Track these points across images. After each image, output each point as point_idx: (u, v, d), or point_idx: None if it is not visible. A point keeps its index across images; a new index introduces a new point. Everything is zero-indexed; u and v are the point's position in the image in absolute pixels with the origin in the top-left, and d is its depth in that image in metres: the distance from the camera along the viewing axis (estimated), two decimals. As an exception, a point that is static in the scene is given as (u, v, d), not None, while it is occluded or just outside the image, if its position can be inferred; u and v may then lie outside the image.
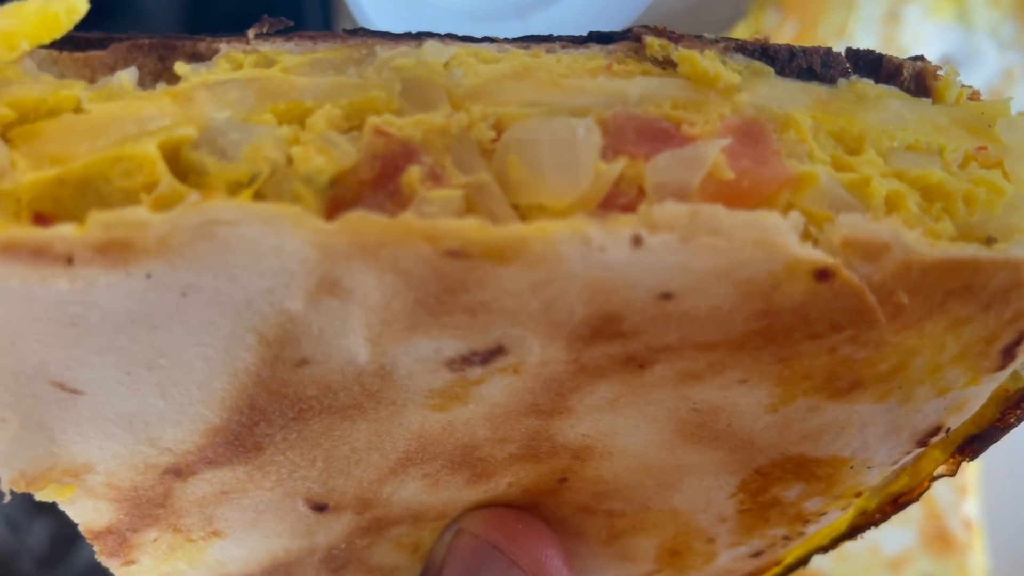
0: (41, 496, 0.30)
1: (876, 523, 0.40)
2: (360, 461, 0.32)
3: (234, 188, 0.24)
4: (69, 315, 0.24)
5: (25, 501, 0.77)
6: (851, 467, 0.34)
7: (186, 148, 0.24)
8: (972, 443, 0.35)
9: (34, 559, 0.82)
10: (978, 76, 0.61)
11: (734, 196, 0.25)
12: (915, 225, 0.26)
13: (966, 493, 0.65)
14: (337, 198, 0.24)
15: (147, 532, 0.33)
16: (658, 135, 0.26)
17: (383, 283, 0.24)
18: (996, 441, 0.35)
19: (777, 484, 0.35)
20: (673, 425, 0.32)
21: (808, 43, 0.65)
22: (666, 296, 0.25)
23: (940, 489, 0.65)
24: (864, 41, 0.63)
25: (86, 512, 0.31)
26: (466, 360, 0.27)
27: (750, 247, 0.24)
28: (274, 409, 0.29)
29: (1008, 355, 0.29)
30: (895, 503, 0.39)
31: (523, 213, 0.25)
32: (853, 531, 0.41)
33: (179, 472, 0.30)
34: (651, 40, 0.28)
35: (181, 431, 0.29)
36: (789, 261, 0.24)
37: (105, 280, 0.23)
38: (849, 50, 0.30)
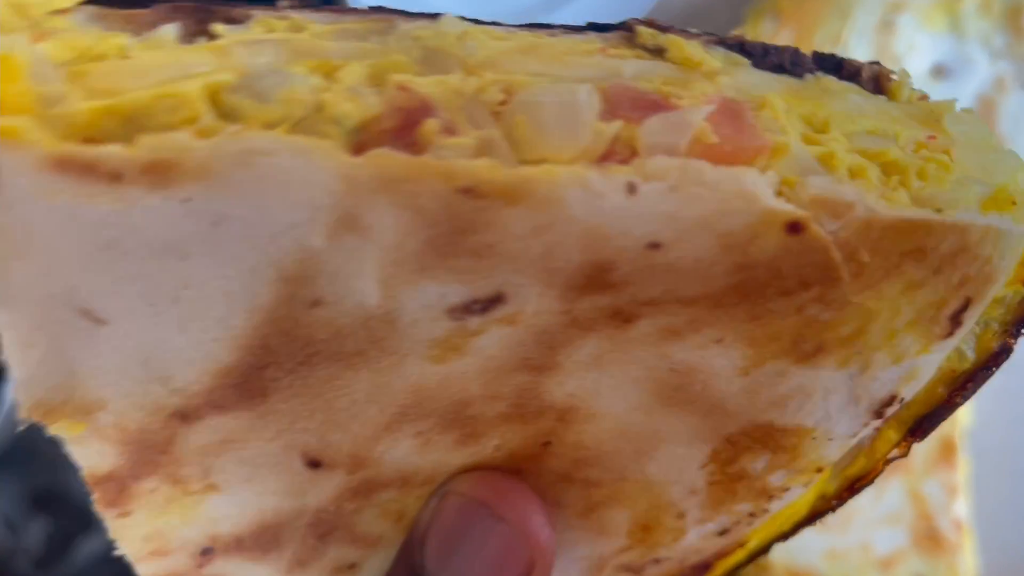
0: (54, 430, 0.30)
1: (833, 508, 0.41)
2: (358, 415, 0.32)
3: (269, 128, 0.26)
4: (106, 238, 0.26)
5: (23, 500, 0.77)
6: (813, 438, 0.36)
7: (224, 92, 0.26)
8: (922, 423, 0.37)
9: (31, 559, 0.82)
10: (970, 84, 0.62)
11: (717, 158, 0.28)
12: (875, 190, 0.29)
13: (956, 494, 0.67)
14: (361, 144, 0.26)
15: (147, 480, 0.33)
16: (650, 105, 0.29)
17: (399, 221, 0.26)
18: (943, 420, 0.37)
19: (746, 454, 0.36)
20: (652, 386, 0.33)
21: (804, 51, 0.66)
22: (654, 245, 0.28)
23: (931, 489, 0.66)
24: (858, 49, 0.64)
25: (91, 455, 0.32)
26: (467, 308, 0.29)
27: (731, 197, 0.27)
28: (284, 351, 0.30)
29: (955, 321, 0.32)
30: (852, 487, 0.40)
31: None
32: (813, 516, 0.41)
33: (185, 416, 0.31)
34: (642, 29, 0.32)
35: (194, 370, 0.30)
36: (764, 212, 0.27)
37: (146, 202, 0.25)
38: (815, 53, 0.34)
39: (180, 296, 0.27)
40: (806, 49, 0.68)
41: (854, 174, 0.30)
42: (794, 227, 0.28)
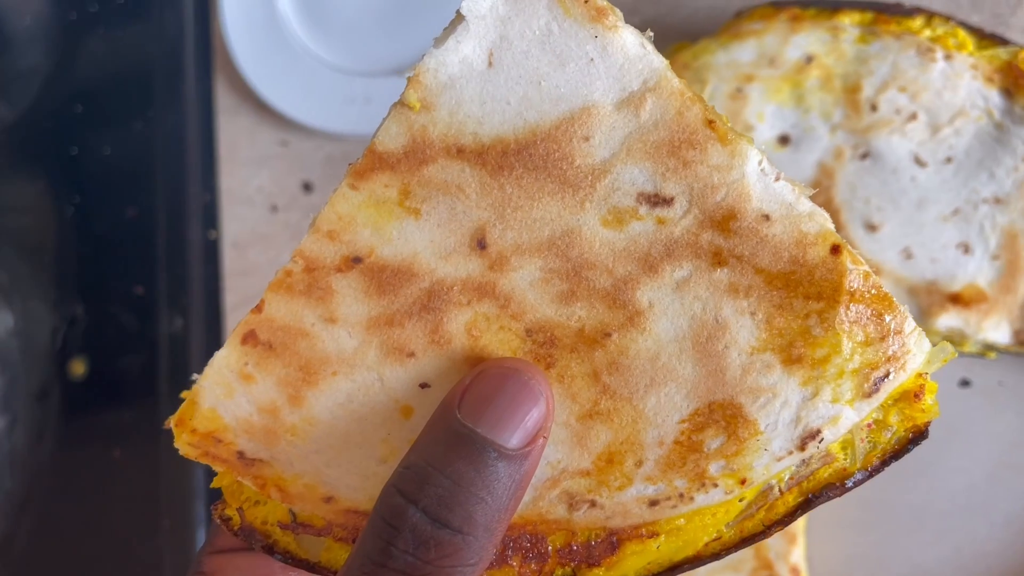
0: (409, 93, 0.39)
1: (719, 556, 0.45)
2: (533, 228, 0.40)
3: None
4: (545, 29, 0.39)
5: None
6: (758, 439, 0.42)
7: None
8: (819, 497, 0.44)
9: None
10: (812, 153, 0.68)
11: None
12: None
13: (795, 541, 0.70)
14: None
15: (391, 175, 0.40)
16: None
17: (664, 117, 0.38)
18: (827, 501, 0.44)
19: (712, 427, 0.42)
20: (697, 328, 0.41)
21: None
22: (766, 217, 0.39)
23: (772, 538, 0.69)
24: (713, 115, 0.68)
25: (401, 124, 0.40)
26: (648, 198, 0.39)
27: (815, 215, 0.40)
28: (543, 152, 0.39)
29: (876, 385, 0.42)
30: (741, 542, 0.45)
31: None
32: (698, 558, 0.45)
33: (460, 151, 0.39)
34: None
35: (495, 128, 0.39)
36: (826, 232, 0.39)
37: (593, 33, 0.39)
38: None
39: (540, 82, 0.38)
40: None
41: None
42: (836, 249, 0.40)
